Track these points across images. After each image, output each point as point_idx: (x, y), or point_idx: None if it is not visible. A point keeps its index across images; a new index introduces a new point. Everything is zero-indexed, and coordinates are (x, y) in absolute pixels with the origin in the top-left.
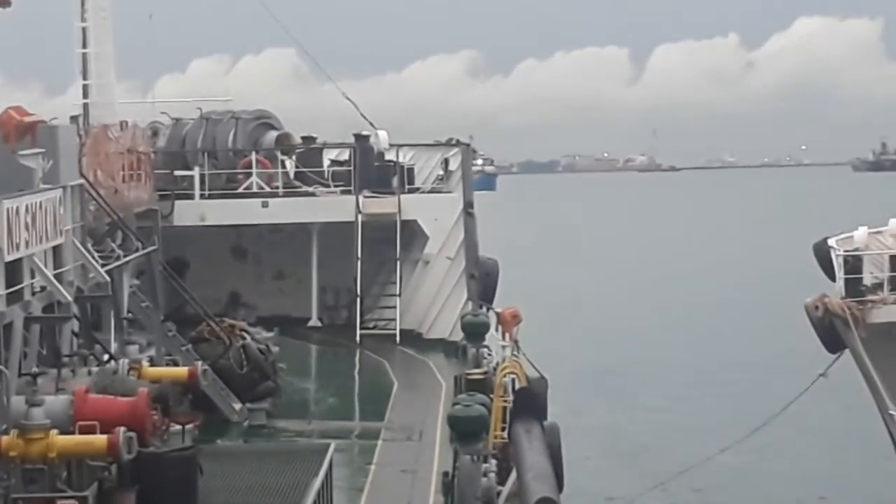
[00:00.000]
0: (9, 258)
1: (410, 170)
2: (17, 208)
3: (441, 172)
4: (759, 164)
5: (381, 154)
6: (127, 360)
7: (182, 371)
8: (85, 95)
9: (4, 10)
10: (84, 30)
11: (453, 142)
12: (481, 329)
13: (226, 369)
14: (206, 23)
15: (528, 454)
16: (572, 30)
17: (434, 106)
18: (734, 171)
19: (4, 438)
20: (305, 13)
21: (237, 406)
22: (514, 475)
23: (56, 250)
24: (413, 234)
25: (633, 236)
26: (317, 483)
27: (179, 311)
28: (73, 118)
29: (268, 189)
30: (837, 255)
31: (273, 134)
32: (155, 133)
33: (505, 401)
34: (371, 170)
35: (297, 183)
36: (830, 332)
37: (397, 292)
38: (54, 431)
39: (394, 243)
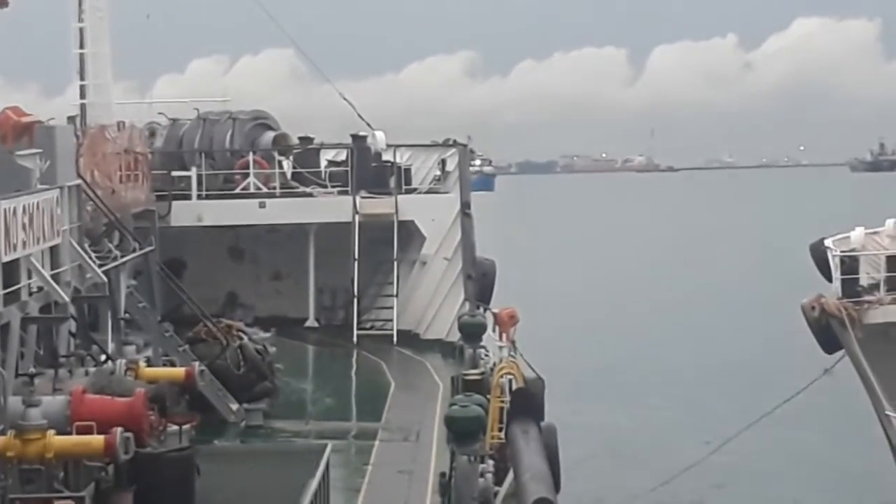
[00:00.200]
0: (6, 259)
1: (407, 170)
2: (15, 209)
3: (438, 173)
4: (757, 164)
5: (379, 154)
6: (124, 361)
7: (179, 371)
8: (82, 96)
9: (2, 11)
10: (81, 30)
11: (450, 142)
12: (478, 329)
13: (223, 370)
14: (205, 23)
15: (525, 455)
16: (570, 30)
17: (432, 106)
18: (732, 172)
19: (1, 439)
20: (305, 13)
21: (234, 406)
22: (511, 476)
23: (53, 251)
24: (410, 234)
25: (631, 237)
26: (314, 483)
27: (176, 312)
28: (71, 118)
29: (265, 189)
30: (834, 256)
31: (270, 134)
32: (152, 133)
33: (502, 401)
34: (368, 170)
35: (294, 183)
36: (827, 333)
37: (394, 293)
38: (51, 432)
39: (391, 244)
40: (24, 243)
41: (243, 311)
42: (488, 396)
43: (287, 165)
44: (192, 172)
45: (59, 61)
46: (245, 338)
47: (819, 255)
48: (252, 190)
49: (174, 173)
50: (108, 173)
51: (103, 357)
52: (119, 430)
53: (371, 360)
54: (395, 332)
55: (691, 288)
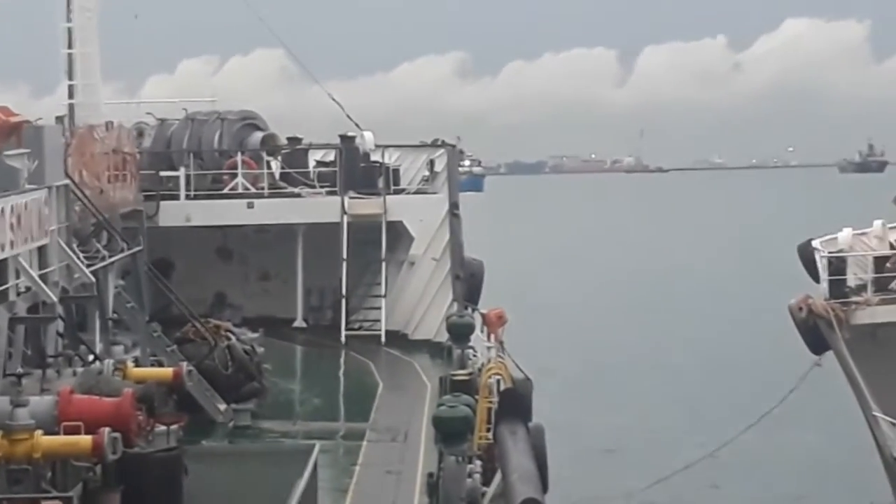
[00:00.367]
0: None
1: (396, 171)
2: (3, 209)
3: (427, 173)
4: (746, 165)
5: (367, 155)
6: (112, 361)
7: (167, 372)
8: (70, 96)
9: None
10: (69, 30)
11: (439, 143)
12: (466, 330)
13: (211, 370)
14: (195, 23)
15: (512, 455)
16: (560, 31)
17: (423, 106)
18: (722, 173)
19: None
20: (296, 13)
21: (222, 407)
22: (498, 476)
23: (41, 251)
24: (398, 235)
25: (620, 237)
26: (301, 484)
27: (164, 312)
28: (59, 118)
29: (253, 190)
30: (822, 257)
31: (258, 135)
32: (140, 133)
33: (490, 402)
34: (356, 171)
35: (282, 184)
36: (814, 334)
37: (382, 293)
38: (39, 432)
39: (379, 244)
40: (11, 243)
41: (231, 312)
42: (476, 397)
43: (275, 166)
44: (181, 173)
45: (49, 61)
46: (233, 338)
47: (807, 255)
48: (240, 190)
49: (162, 173)
50: (96, 173)
51: (91, 357)
52: (107, 430)
53: (359, 361)
54: (383, 333)
55: (680, 288)
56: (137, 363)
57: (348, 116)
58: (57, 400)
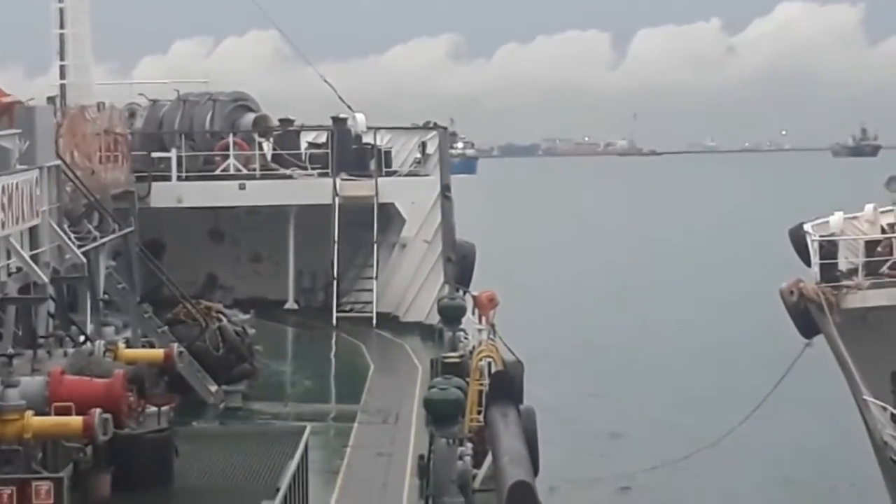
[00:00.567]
0: None
1: (388, 153)
2: None
3: (418, 156)
4: (739, 148)
5: (359, 137)
6: (103, 342)
7: (158, 353)
8: (62, 76)
9: None
10: (61, 10)
11: (431, 125)
12: (458, 312)
13: (202, 351)
14: (189, 4)
15: (503, 438)
16: (554, 13)
17: (416, 89)
18: (715, 156)
19: None
20: None
21: (213, 388)
22: (489, 459)
23: (32, 231)
24: (390, 217)
25: (613, 220)
26: (292, 465)
27: (156, 293)
28: (50, 99)
29: (245, 171)
30: (813, 241)
31: (250, 116)
32: (132, 114)
33: (481, 384)
34: (348, 153)
35: (274, 165)
36: (805, 318)
37: (374, 275)
38: (29, 412)
39: (371, 226)
40: (2, 224)
41: (223, 293)
42: (467, 379)
43: (267, 147)
44: (172, 154)
45: (42, 42)
46: (224, 319)
47: (798, 239)
48: (232, 172)
49: (154, 154)
50: (87, 154)
51: (82, 338)
52: (98, 411)
53: (350, 343)
54: (374, 315)
55: (672, 270)
56: (128, 344)
57: (340, 98)
58: (48, 381)
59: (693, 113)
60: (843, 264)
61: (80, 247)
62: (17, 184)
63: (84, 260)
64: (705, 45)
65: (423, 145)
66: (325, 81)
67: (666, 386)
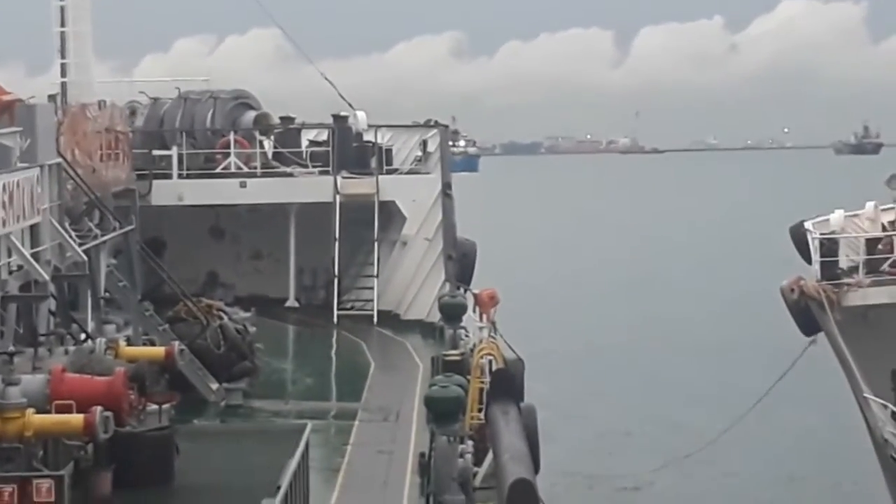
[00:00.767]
0: None
1: (389, 151)
2: None
3: (419, 154)
4: (741, 146)
5: (360, 135)
6: (104, 340)
7: (159, 351)
8: (63, 74)
9: None
10: (62, 8)
11: (431, 123)
12: (458, 310)
13: (203, 349)
14: (191, 2)
15: (504, 435)
16: (557, 11)
17: (418, 87)
18: (717, 154)
19: None
20: None
21: (214, 386)
22: (490, 456)
23: (33, 229)
24: (391, 215)
25: (614, 218)
26: (293, 463)
27: (157, 291)
28: (51, 97)
29: (246, 169)
30: (814, 238)
31: (251, 114)
32: (133, 112)
33: (482, 382)
34: (349, 150)
35: (275, 163)
36: (806, 315)
37: (375, 273)
38: (31, 410)
39: (371, 224)
40: (3, 221)
41: (224, 291)
42: (468, 377)
43: (268, 145)
44: (173, 152)
45: (43, 40)
46: (225, 317)
47: (799, 237)
48: (233, 169)
49: (155, 152)
50: (88, 152)
51: (83, 336)
52: (98, 409)
53: (351, 341)
54: (375, 313)
55: (672, 269)
56: (129, 342)
57: (341, 96)
58: (49, 378)
59: (695, 110)
60: (843, 262)
61: (80, 245)
62: (18, 182)
63: (85, 258)
64: (708, 42)
65: (424, 143)
66: (326, 79)
67: (667, 383)
